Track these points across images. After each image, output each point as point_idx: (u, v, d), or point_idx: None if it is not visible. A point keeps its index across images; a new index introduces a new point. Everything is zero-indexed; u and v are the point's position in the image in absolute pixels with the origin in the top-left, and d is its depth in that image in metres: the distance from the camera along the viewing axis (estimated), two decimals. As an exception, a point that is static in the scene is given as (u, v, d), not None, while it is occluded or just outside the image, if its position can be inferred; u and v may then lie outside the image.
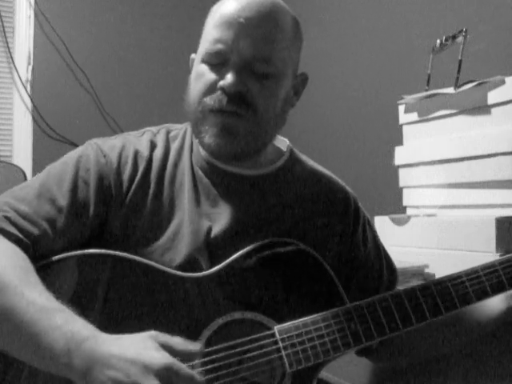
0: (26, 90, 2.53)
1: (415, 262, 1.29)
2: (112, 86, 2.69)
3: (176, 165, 0.88)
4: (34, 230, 0.78)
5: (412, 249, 1.37)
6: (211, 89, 0.82)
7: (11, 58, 2.51)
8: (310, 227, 0.90)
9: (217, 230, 0.84)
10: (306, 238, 0.88)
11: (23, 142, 2.54)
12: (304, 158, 0.99)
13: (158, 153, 0.88)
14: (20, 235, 0.77)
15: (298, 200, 0.91)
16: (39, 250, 0.78)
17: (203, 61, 0.84)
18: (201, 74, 0.84)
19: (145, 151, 0.87)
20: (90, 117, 2.63)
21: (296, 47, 0.89)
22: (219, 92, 0.81)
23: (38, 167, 2.49)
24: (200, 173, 0.89)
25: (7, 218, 0.77)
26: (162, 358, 0.62)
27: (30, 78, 2.55)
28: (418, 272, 1.29)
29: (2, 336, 0.69)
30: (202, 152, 0.89)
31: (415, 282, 1.11)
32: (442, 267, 1.28)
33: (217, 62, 0.83)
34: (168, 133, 0.92)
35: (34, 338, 0.66)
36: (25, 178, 1.98)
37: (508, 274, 0.79)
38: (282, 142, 0.98)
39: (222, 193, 0.88)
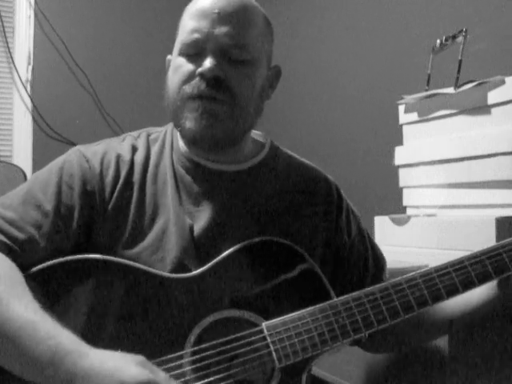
0: (26, 90, 2.53)
1: (415, 262, 1.29)
2: (112, 86, 2.69)
3: (157, 165, 0.90)
4: (21, 236, 0.79)
5: (412, 249, 1.37)
6: (189, 77, 0.85)
7: (11, 58, 2.51)
8: (295, 219, 0.91)
9: (198, 228, 0.85)
10: (290, 230, 0.89)
11: (23, 142, 2.54)
12: (284, 150, 1.00)
13: (140, 156, 0.90)
14: (7, 241, 0.78)
15: (281, 192, 0.92)
16: (27, 256, 0.79)
17: (180, 53, 0.87)
18: (178, 66, 0.87)
19: (126, 155, 0.89)
20: (90, 117, 2.63)
21: (268, 39, 0.92)
22: (197, 78, 0.83)
23: (38, 167, 2.47)
24: (181, 170, 0.90)
25: None
26: (139, 375, 0.63)
27: (29, 77, 2.55)
28: (418, 272, 1.29)
29: None
30: (183, 149, 0.91)
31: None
32: (441, 267, 1.28)
33: (194, 52, 0.85)
34: (148, 136, 0.94)
35: (20, 351, 0.67)
36: (25, 178, 1.98)
37: (493, 263, 0.80)
38: (261, 137, 1.00)
39: (204, 190, 0.89)
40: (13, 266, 0.76)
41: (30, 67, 2.55)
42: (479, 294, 0.86)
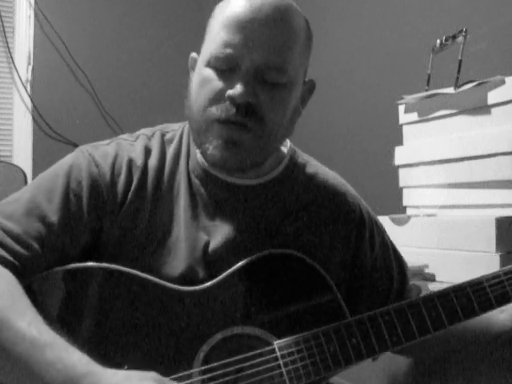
0: (26, 90, 2.53)
1: (415, 262, 1.29)
2: (112, 86, 2.68)
3: (172, 173, 0.84)
4: (24, 252, 0.73)
5: (412, 249, 1.37)
6: (218, 97, 0.76)
7: (11, 58, 2.51)
8: (313, 235, 0.86)
9: (215, 243, 0.81)
10: (308, 246, 0.85)
11: (23, 142, 2.54)
12: (306, 158, 0.93)
13: (154, 160, 0.83)
14: (9, 257, 0.73)
15: (299, 207, 0.87)
16: (30, 270, 0.74)
17: (209, 65, 0.78)
18: (206, 80, 0.78)
19: (139, 159, 0.82)
20: (90, 117, 2.63)
21: (308, 53, 0.84)
22: (227, 102, 0.75)
23: (37, 167, 2.48)
24: (197, 182, 0.84)
25: None
26: None
27: (30, 77, 2.55)
28: (418, 272, 1.29)
29: None
30: (200, 160, 0.84)
31: (415, 282, 1.10)
32: (441, 267, 1.28)
33: (225, 68, 0.76)
34: (163, 135, 0.87)
35: (26, 373, 0.63)
36: (25, 178, 1.98)
37: (510, 286, 0.78)
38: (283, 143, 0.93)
39: (220, 204, 0.84)
40: (14, 281, 0.71)
41: (30, 67, 2.55)
42: (499, 321, 0.84)
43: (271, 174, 0.87)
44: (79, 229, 0.78)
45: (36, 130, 2.55)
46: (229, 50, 0.75)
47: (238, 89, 0.74)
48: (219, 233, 0.82)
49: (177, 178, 0.83)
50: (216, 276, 0.78)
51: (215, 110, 0.76)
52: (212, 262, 0.80)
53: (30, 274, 0.74)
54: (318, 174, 0.91)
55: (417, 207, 1.52)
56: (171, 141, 0.87)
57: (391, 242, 0.96)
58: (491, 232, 1.17)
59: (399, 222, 1.44)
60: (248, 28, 0.74)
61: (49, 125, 2.55)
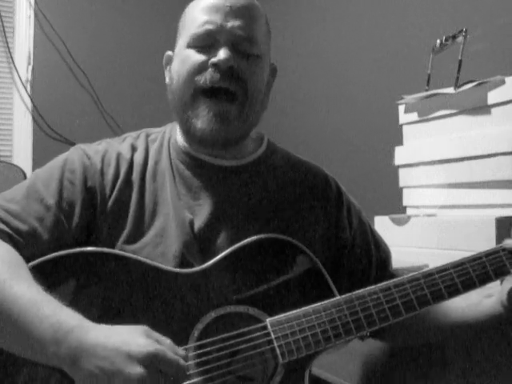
0: (26, 90, 2.53)
1: (415, 262, 1.29)
2: (112, 86, 2.68)
3: (156, 163, 0.91)
4: (24, 227, 0.80)
5: (412, 249, 1.37)
6: (201, 68, 0.84)
7: (11, 58, 2.51)
8: (293, 213, 0.91)
9: (199, 222, 0.86)
10: (289, 223, 0.90)
11: (23, 142, 2.54)
12: (281, 147, 1.01)
13: (139, 155, 0.91)
14: (10, 231, 0.79)
15: (279, 187, 0.93)
16: (29, 248, 0.80)
17: (189, 45, 0.86)
18: (187, 57, 0.86)
19: (126, 154, 0.90)
20: (90, 117, 2.63)
21: (269, 37, 0.93)
22: (211, 69, 0.83)
23: (37, 167, 2.47)
24: (181, 166, 0.91)
25: None
26: (146, 346, 0.64)
27: (30, 78, 2.55)
28: (418, 272, 1.28)
29: None
30: (182, 145, 0.92)
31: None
32: (442, 267, 1.28)
33: (205, 44, 0.85)
34: (147, 136, 0.95)
35: (22, 329, 0.67)
36: (25, 178, 1.98)
37: (493, 264, 0.81)
38: (257, 134, 1.00)
39: (203, 184, 0.89)
40: (16, 254, 0.77)
41: (30, 67, 2.55)
42: (488, 306, 0.86)
43: (251, 157, 0.94)
44: (74, 212, 0.84)
45: (36, 130, 2.55)
46: (208, 26, 0.85)
47: (220, 55, 0.83)
48: (202, 211, 0.87)
49: (160, 167, 0.91)
50: (207, 252, 0.84)
51: (200, 78, 0.84)
52: (201, 238, 0.85)
53: (30, 250, 0.79)
54: (294, 156, 1.01)
55: (417, 207, 1.52)
56: (155, 140, 0.95)
57: (369, 222, 1.01)
58: (491, 232, 1.17)
59: (399, 222, 1.44)
60: (223, 8, 0.85)
61: (49, 125, 2.55)
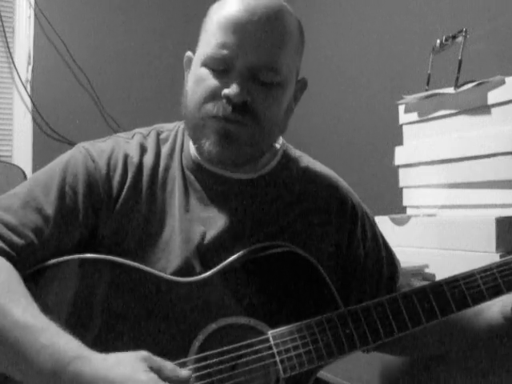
0: (26, 90, 2.53)
1: (415, 262, 1.29)
2: (112, 86, 2.68)
3: (167, 169, 0.86)
4: (20, 242, 0.75)
5: (412, 249, 1.37)
6: (213, 95, 0.79)
7: (11, 58, 2.51)
8: (305, 227, 0.88)
9: (211, 234, 0.82)
10: (300, 237, 0.86)
11: (23, 142, 2.54)
12: (298, 154, 0.96)
13: (149, 158, 0.85)
14: (5, 247, 0.74)
15: (293, 199, 0.89)
16: (25, 261, 0.76)
17: (205, 65, 0.80)
18: (202, 79, 0.80)
19: (135, 156, 0.84)
20: (90, 117, 2.62)
21: (300, 52, 0.86)
22: (224, 100, 0.77)
23: (38, 167, 2.47)
24: (191, 176, 0.86)
25: None
26: (149, 382, 0.61)
27: (29, 78, 2.55)
28: (418, 272, 1.28)
29: None
30: (193, 155, 0.87)
31: (415, 282, 1.11)
32: (441, 267, 1.28)
33: (220, 69, 0.78)
34: (158, 135, 0.89)
35: (20, 358, 0.64)
36: (25, 178, 1.98)
37: (504, 277, 0.78)
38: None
39: (215, 196, 0.85)
40: (10, 269, 0.73)
41: (30, 67, 2.55)
42: (489, 317, 0.83)
43: (265, 169, 0.89)
44: (75, 222, 0.79)
45: (36, 130, 2.55)
46: (224, 51, 0.77)
47: (234, 88, 0.76)
48: (214, 224, 0.84)
49: (170, 174, 0.86)
50: (211, 267, 0.80)
51: (211, 107, 0.79)
52: (207, 253, 0.82)
53: (26, 264, 0.76)
54: (311, 168, 0.94)
55: (417, 207, 1.52)
56: (166, 140, 0.89)
57: (382, 235, 0.98)
58: (491, 232, 1.17)
59: (399, 222, 1.44)
60: (242, 30, 0.76)
61: (49, 125, 2.55)
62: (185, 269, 0.80)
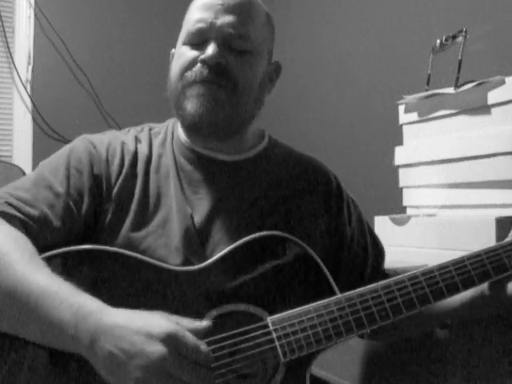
0: (26, 89, 2.53)
1: (415, 262, 1.29)
2: (112, 86, 2.69)
3: (160, 156, 0.93)
4: (35, 212, 0.81)
5: (412, 249, 1.37)
6: (192, 63, 0.88)
7: (11, 58, 2.51)
8: (294, 207, 0.92)
9: (198, 216, 0.88)
10: (290, 218, 0.90)
11: (23, 142, 2.54)
12: (283, 143, 1.03)
13: (143, 147, 0.93)
14: (22, 217, 0.80)
15: (280, 182, 0.94)
16: (41, 234, 0.81)
17: (184, 43, 0.91)
18: (181, 54, 0.90)
19: (131, 145, 0.92)
20: (90, 117, 2.63)
21: (270, 34, 0.95)
22: (199, 65, 0.87)
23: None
24: (182, 160, 0.93)
25: (9, 204, 0.80)
26: (166, 326, 0.64)
27: (29, 78, 2.55)
28: (418, 272, 1.28)
29: (8, 314, 0.70)
30: (184, 140, 0.95)
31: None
32: (442, 267, 1.28)
33: (197, 41, 0.89)
34: (150, 130, 0.98)
35: (40, 312, 0.67)
36: (25, 178, 1.98)
37: (492, 263, 0.81)
38: (260, 131, 1.02)
39: (204, 178, 0.91)
40: (28, 241, 0.77)
41: (30, 67, 2.55)
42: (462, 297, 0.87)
43: (252, 152, 0.97)
44: (82, 199, 0.85)
45: (36, 130, 2.55)
46: (200, 25, 0.89)
47: (208, 51, 0.87)
48: (201, 205, 0.89)
49: (163, 160, 0.93)
50: (205, 245, 0.85)
51: (190, 74, 0.88)
52: (201, 231, 0.86)
53: (41, 238, 0.80)
54: (296, 152, 1.02)
55: (417, 207, 1.52)
56: (158, 134, 0.98)
57: (366, 220, 1.02)
58: (491, 232, 1.17)
59: (399, 222, 1.44)
60: (215, 6, 0.89)
61: (49, 125, 2.55)
62: (186, 245, 0.84)
